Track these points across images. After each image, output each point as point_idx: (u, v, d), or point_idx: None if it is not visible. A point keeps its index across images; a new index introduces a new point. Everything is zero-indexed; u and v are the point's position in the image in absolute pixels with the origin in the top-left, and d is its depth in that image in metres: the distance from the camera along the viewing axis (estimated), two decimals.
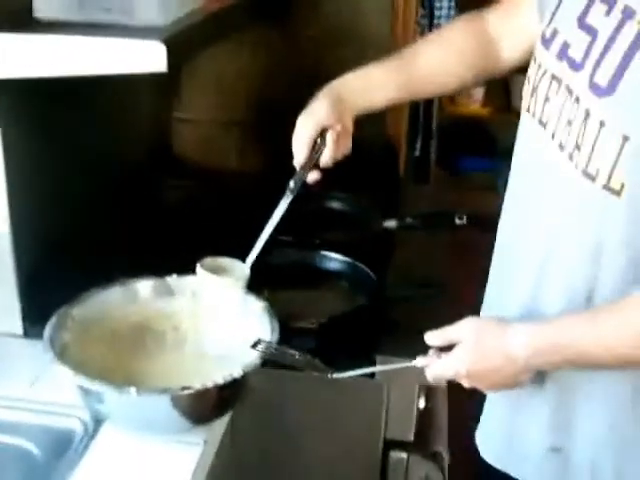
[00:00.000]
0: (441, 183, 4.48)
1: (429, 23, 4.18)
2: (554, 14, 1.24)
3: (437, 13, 4.20)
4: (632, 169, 1.07)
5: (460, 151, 4.79)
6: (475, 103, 4.98)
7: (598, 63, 1.11)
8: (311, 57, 2.31)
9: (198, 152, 2.39)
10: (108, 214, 1.88)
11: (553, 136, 1.19)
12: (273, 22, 2.28)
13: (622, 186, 1.08)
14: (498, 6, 1.48)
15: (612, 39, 1.09)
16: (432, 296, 1.65)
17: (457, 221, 1.82)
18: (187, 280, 1.43)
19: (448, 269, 1.82)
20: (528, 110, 1.27)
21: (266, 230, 1.39)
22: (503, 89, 4.53)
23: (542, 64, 1.24)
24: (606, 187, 1.10)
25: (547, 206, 1.23)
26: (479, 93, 4.99)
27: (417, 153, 4.39)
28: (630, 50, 1.06)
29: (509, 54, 1.46)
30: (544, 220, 1.23)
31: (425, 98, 1.44)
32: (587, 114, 1.11)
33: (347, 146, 1.43)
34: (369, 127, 2.40)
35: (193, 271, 1.38)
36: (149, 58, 1.31)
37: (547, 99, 1.21)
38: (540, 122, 1.23)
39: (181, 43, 1.41)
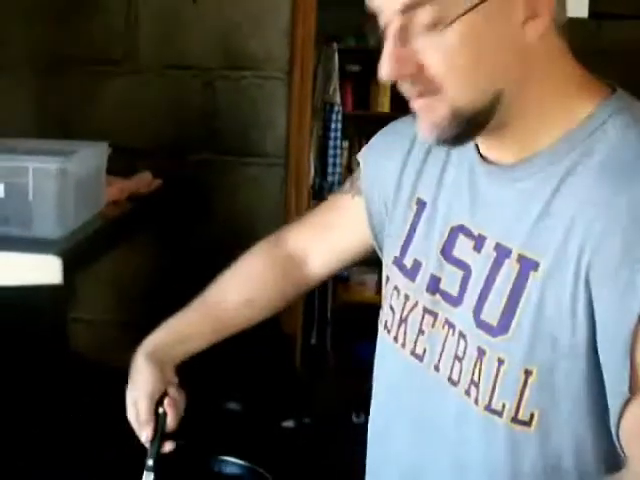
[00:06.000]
0: (339, 370, 4.50)
1: None
2: (407, 244, 1.22)
3: None
4: (538, 399, 1.05)
5: (356, 337, 4.85)
6: (369, 290, 5.09)
7: (481, 301, 1.09)
8: (206, 258, 2.36)
9: (94, 352, 2.37)
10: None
11: (437, 369, 1.15)
12: (170, 224, 2.33)
13: (532, 416, 1.05)
14: (301, 226, 1.49)
15: (491, 278, 1.08)
16: None
17: (354, 419, 1.84)
18: None
19: (350, 467, 1.81)
20: (396, 340, 1.22)
21: None
22: None
23: (410, 296, 1.20)
24: (514, 420, 1.06)
25: (438, 431, 1.15)
26: (372, 280, 5.12)
27: (313, 341, 4.45)
28: (515, 290, 1.05)
29: (319, 270, 1.47)
30: (445, 441, 1.15)
31: (243, 329, 1.47)
32: (481, 352, 1.08)
33: (183, 398, 1.39)
34: (263, 321, 2.44)
35: None
36: (45, 271, 1.34)
37: (421, 331, 1.17)
38: (413, 354, 1.18)
39: (77, 255, 1.43)
